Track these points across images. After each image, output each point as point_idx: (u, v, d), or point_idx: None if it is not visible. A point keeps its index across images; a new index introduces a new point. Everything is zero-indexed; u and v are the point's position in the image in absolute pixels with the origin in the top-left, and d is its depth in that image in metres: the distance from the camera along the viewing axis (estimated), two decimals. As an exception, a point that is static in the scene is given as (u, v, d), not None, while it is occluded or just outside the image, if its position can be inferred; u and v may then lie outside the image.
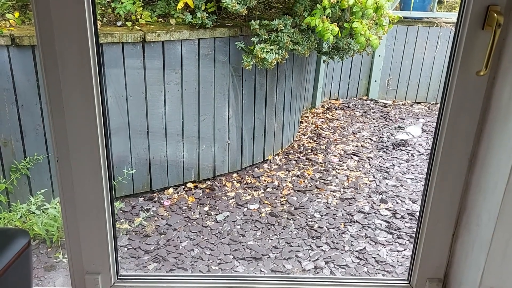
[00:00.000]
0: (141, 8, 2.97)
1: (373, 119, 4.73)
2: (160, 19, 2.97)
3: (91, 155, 1.44)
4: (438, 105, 5.21)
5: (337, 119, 4.68)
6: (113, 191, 2.71)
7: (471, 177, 1.43)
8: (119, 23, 2.81)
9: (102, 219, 1.52)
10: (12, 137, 2.55)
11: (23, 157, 2.60)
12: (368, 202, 3.17)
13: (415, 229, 2.86)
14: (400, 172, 3.63)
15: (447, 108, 1.39)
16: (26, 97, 2.52)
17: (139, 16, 2.88)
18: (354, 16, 3.20)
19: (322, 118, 4.69)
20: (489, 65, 1.27)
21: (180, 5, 2.94)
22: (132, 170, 2.95)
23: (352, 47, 3.45)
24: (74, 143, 1.42)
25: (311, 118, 4.68)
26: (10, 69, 2.44)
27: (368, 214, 3.04)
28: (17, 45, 2.42)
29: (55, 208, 2.45)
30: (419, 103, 5.27)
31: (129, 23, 2.84)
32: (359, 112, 4.90)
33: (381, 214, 3.04)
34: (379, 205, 3.15)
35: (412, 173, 3.63)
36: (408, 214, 3.05)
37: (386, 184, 3.44)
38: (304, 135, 4.25)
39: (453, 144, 1.42)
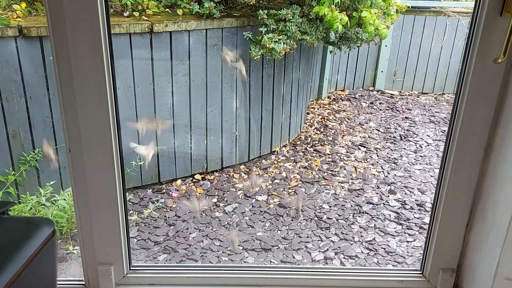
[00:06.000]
0: (148, -2, 2.94)
1: (380, 110, 4.70)
2: (167, 9, 2.94)
3: (103, 145, 1.43)
4: (445, 96, 5.17)
5: (344, 110, 4.66)
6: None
7: (487, 166, 1.42)
8: (126, 14, 2.79)
9: (114, 210, 1.51)
10: (21, 128, 2.55)
11: (31, 149, 2.60)
12: (376, 193, 3.16)
13: (424, 220, 2.86)
14: (408, 163, 3.61)
15: (463, 96, 1.37)
16: (35, 88, 2.52)
17: (145, 6, 2.85)
18: (362, 5, 3.17)
19: (329, 109, 4.67)
20: (507, 52, 1.25)
21: (187, -5, 2.91)
22: (140, 161, 2.94)
23: (360, 37, 3.41)
24: (87, 134, 1.41)
25: (318, 109, 4.66)
26: (18, 61, 2.43)
27: (377, 205, 3.03)
28: (25, 36, 2.41)
29: (64, 199, 2.46)
30: (426, 93, 5.24)
31: (136, 13, 2.82)
32: (366, 103, 4.87)
33: (390, 205, 3.03)
34: (388, 196, 3.13)
35: (420, 164, 3.61)
36: (417, 204, 3.04)
37: (395, 175, 3.42)
38: (311, 126, 4.23)
39: (469, 132, 1.40)
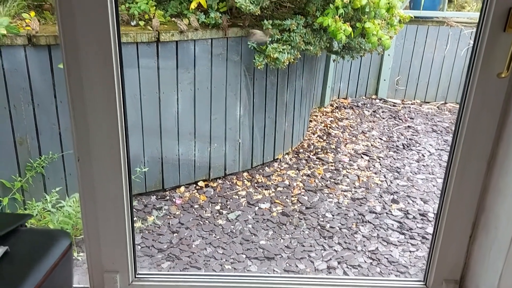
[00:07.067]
0: (154, 7, 2.98)
1: (383, 118, 4.73)
2: (173, 19, 2.98)
3: (112, 154, 1.45)
4: (447, 105, 5.19)
5: (347, 118, 4.68)
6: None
7: (490, 179, 1.44)
8: (133, 23, 2.83)
9: (121, 218, 1.53)
10: (28, 135, 2.58)
11: (38, 155, 2.63)
12: (379, 202, 3.18)
13: (427, 230, 2.87)
14: (411, 172, 3.62)
15: (467, 109, 1.39)
16: (42, 96, 2.55)
17: (152, 16, 2.89)
18: (366, 16, 3.20)
19: (332, 117, 4.69)
20: (510, 67, 1.27)
21: (193, 5, 2.95)
22: (145, 168, 2.97)
23: (363, 47, 3.44)
24: (96, 142, 1.44)
25: (321, 117, 4.68)
26: (27, 69, 2.46)
27: (379, 214, 3.04)
28: (34, 44, 2.44)
29: (70, 206, 2.48)
30: (428, 102, 5.26)
31: (141, 23, 2.86)
32: (368, 111, 4.89)
33: (392, 215, 3.04)
34: (391, 205, 3.15)
35: (423, 173, 3.63)
36: (420, 214, 3.05)
37: (397, 184, 3.44)
38: (313, 134, 4.26)
39: (472, 145, 1.42)
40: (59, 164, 2.71)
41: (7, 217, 0.82)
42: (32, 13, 2.64)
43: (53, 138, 2.66)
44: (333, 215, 3.01)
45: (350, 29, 3.09)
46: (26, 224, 0.87)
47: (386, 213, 3.06)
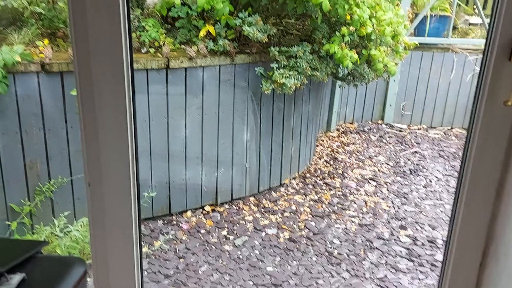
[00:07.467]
0: (164, 35, 3.05)
1: (389, 143, 4.73)
2: (182, 46, 3.04)
3: (122, 179, 1.47)
4: (454, 130, 5.20)
5: (353, 143, 4.69)
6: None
7: (499, 206, 1.43)
8: (143, 50, 2.89)
9: (130, 243, 1.54)
10: (38, 160, 2.61)
11: (47, 179, 2.66)
12: (387, 228, 3.15)
13: (436, 257, 2.83)
14: (418, 198, 3.60)
15: (474, 136, 1.40)
16: (53, 121, 2.59)
17: (162, 43, 2.96)
18: (371, 43, 3.25)
19: (338, 142, 4.71)
20: (516, 95, 1.29)
21: (202, 33, 3.02)
22: (152, 193, 2.98)
23: (369, 73, 3.48)
24: (107, 168, 1.46)
25: (327, 141, 4.70)
26: (39, 95, 2.52)
27: (388, 240, 3.01)
28: (47, 71, 2.51)
29: (77, 230, 2.48)
30: (435, 127, 5.26)
31: (152, 50, 2.92)
32: (375, 136, 4.90)
33: (401, 241, 3.01)
34: (399, 231, 3.12)
35: (430, 199, 3.60)
36: (428, 241, 3.02)
37: (405, 210, 3.41)
38: (320, 159, 4.26)
39: (480, 172, 1.42)
40: (67, 188, 2.73)
41: (23, 244, 0.84)
42: (46, 41, 2.72)
43: (62, 163, 2.69)
44: (340, 241, 2.99)
45: (356, 56, 3.14)
46: (42, 251, 0.88)
47: (394, 239, 3.03)
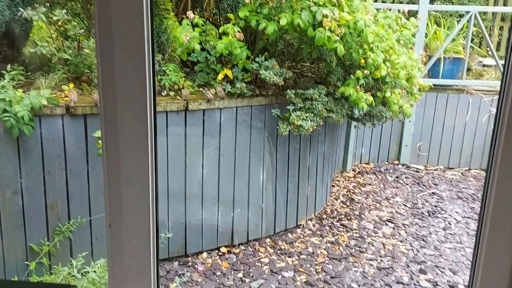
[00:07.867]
0: (183, 78, 3.16)
1: (406, 184, 4.68)
2: (201, 89, 3.14)
3: (143, 220, 1.49)
4: (472, 171, 5.13)
5: (369, 184, 4.66)
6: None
7: (522, 251, 1.40)
8: (164, 93, 2.99)
9: (148, 285, 1.54)
10: (59, 200, 2.66)
11: (67, 219, 2.69)
12: (406, 272, 3.07)
13: (459, 303, 2.74)
14: (438, 241, 3.52)
15: (493, 178, 1.39)
16: (75, 162, 2.66)
17: (181, 86, 3.06)
18: (386, 85, 3.31)
19: (354, 183, 4.68)
20: (533, 139, 1.29)
21: (220, 76, 3.12)
22: (169, 234, 2.98)
23: (384, 115, 3.52)
24: (128, 209, 1.48)
25: (343, 182, 4.68)
26: (63, 137, 2.60)
27: (407, 285, 2.93)
28: (71, 114, 2.60)
29: (95, 271, 2.48)
30: (452, 168, 5.21)
31: (171, 93, 3.02)
32: (391, 176, 4.87)
33: (421, 286, 2.93)
34: (418, 275, 3.04)
35: (450, 242, 3.52)
36: (449, 286, 2.93)
37: (424, 253, 3.34)
38: (336, 200, 4.23)
39: (501, 214, 1.40)
40: (86, 228, 2.76)
41: None
42: (71, 85, 2.84)
43: (82, 203, 2.73)
44: (359, 285, 2.92)
45: (371, 98, 3.19)
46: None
47: (414, 284, 2.95)
